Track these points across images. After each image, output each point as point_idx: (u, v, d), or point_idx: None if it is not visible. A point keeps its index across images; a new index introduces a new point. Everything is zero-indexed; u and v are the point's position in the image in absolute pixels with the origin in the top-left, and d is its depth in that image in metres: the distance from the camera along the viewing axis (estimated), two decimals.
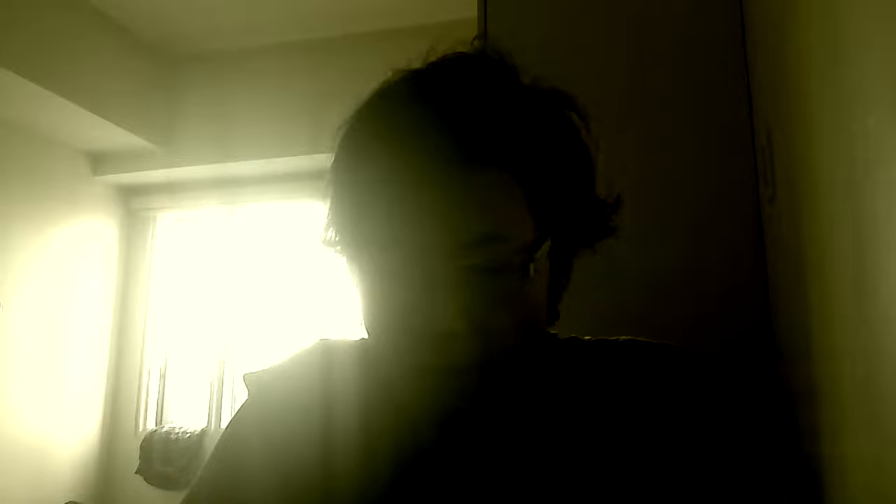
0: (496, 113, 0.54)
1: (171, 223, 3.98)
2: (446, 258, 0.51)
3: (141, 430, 3.74)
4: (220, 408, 3.66)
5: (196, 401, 3.74)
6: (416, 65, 0.58)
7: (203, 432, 3.57)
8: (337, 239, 0.59)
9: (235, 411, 0.68)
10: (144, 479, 3.57)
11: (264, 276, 3.71)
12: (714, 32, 1.46)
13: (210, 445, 3.53)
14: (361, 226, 0.55)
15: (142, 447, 3.60)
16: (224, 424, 3.61)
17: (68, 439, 3.47)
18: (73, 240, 3.56)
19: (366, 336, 0.58)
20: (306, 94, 3.16)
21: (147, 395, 3.81)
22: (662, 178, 1.42)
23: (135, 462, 3.60)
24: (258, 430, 0.64)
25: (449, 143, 0.51)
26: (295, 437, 0.62)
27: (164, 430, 3.64)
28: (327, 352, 0.67)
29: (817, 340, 0.96)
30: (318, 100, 3.10)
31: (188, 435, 3.54)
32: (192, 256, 3.94)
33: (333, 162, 0.58)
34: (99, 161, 3.70)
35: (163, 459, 3.54)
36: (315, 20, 3.29)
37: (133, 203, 3.91)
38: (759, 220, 1.34)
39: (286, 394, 0.64)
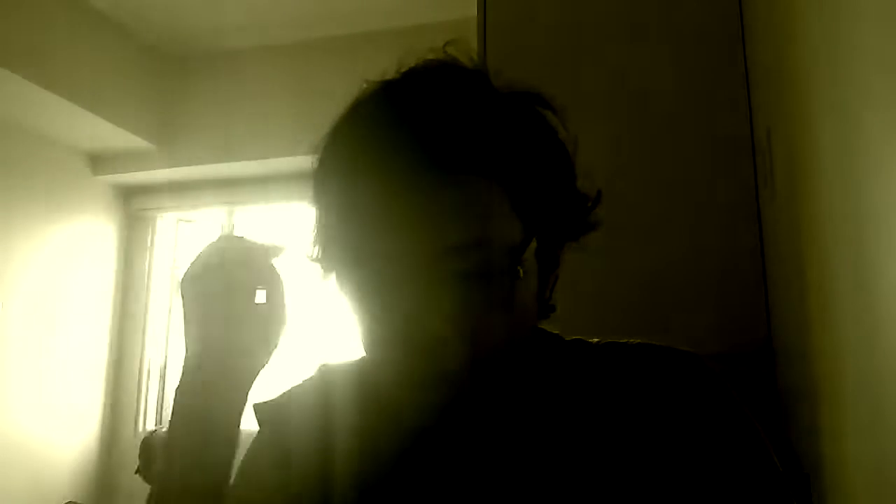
0: (472, 119, 0.54)
1: (171, 223, 3.98)
2: (431, 265, 0.52)
3: (141, 430, 3.74)
4: None
5: None
6: (390, 73, 0.58)
7: None
8: (323, 255, 0.60)
9: (250, 444, 0.69)
10: (144, 480, 3.57)
11: None
12: (714, 33, 1.46)
13: None
14: (348, 240, 0.55)
15: (141, 447, 3.60)
16: None
17: (68, 439, 3.47)
18: (73, 240, 3.55)
19: (362, 352, 0.59)
20: (307, 94, 3.16)
21: (147, 396, 3.81)
22: (663, 178, 1.42)
23: (135, 462, 3.60)
24: (265, 457, 0.66)
25: (426, 151, 0.52)
26: (299, 462, 0.63)
27: (163, 430, 3.64)
28: (326, 376, 0.69)
29: (817, 339, 0.96)
30: (318, 100, 3.09)
31: None
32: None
33: (315, 179, 0.58)
34: (99, 161, 3.70)
35: (163, 459, 3.54)
36: (315, 20, 3.29)
37: (133, 203, 3.91)
38: (759, 220, 1.35)
39: (290, 421, 0.67)
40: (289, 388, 0.70)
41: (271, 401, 0.69)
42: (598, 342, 0.64)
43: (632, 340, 0.63)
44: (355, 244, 0.55)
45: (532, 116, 0.59)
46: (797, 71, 1.00)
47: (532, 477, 0.57)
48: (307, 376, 0.70)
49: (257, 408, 0.69)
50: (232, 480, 0.66)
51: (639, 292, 1.37)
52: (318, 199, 0.59)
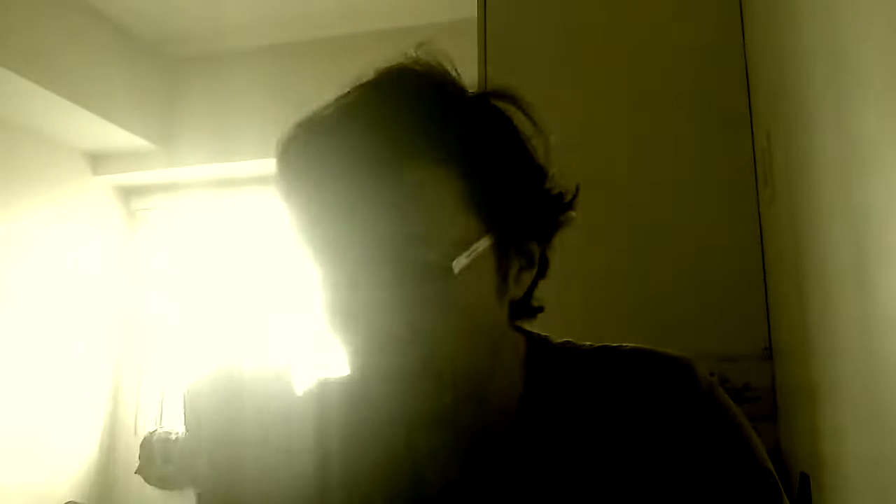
0: (423, 113, 0.54)
1: (171, 223, 3.98)
2: (378, 258, 0.51)
3: (141, 430, 3.74)
4: None
5: None
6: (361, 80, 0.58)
7: None
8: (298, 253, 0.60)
9: None
10: (144, 480, 3.57)
11: (264, 276, 3.72)
12: (714, 34, 1.46)
13: None
14: (306, 232, 0.56)
15: (142, 447, 3.60)
16: None
17: (68, 439, 3.47)
18: (73, 240, 3.56)
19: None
20: (306, 94, 3.15)
21: (147, 396, 3.81)
22: (663, 178, 1.42)
23: (135, 462, 3.60)
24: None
25: (372, 146, 0.51)
26: (294, 483, 0.62)
27: (163, 430, 3.63)
28: (322, 391, 0.68)
29: (817, 340, 0.96)
30: (317, 99, 3.09)
31: None
32: (192, 256, 3.94)
33: (276, 174, 0.58)
34: (99, 161, 3.70)
35: (163, 459, 3.54)
36: (315, 20, 3.29)
37: (133, 203, 3.91)
38: (759, 220, 1.35)
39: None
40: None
41: None
42: (589, 346, 0.63)
43: (623, 346, 0.62)
44: (312, 235, 0.55)
45: (492, 113, 0.58)
46: (797, 72, 1.01)
47: (525, 485, 0.57)
48: (306, 389, 0.69)
49: None
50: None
51: (639, 292, 1.37)
52: (281, 191, 0.58)
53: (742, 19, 1.44)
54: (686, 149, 1.42)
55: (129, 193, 3.91)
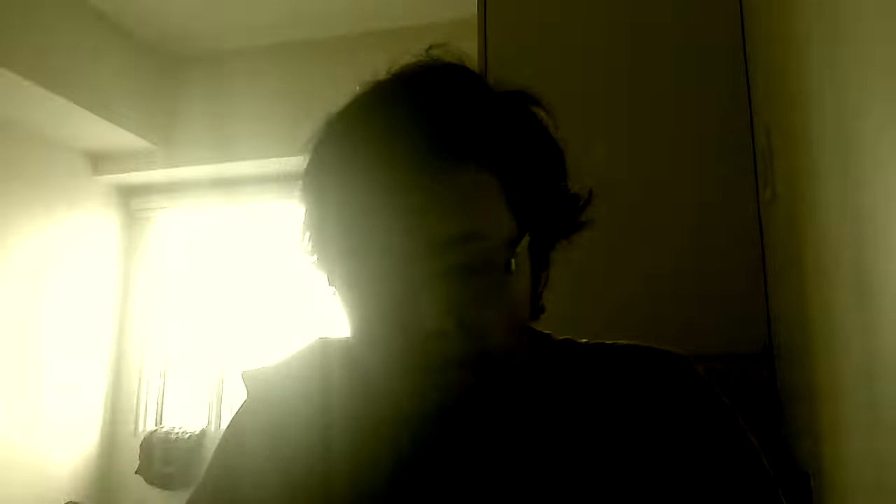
0: (466, 112, 0.54)
1: (171, 223, 3.98)
2: (428, 259, 0.51)
3: (141, 430, 3.74)
4: (220, 407, 3.66)
5: (196, 401, 3.75)
6: (384, 74, 0.58)
7: (203, 432, 3.56)
8: (312, 248, 0.60)
9: (234, 412, 0.67)
10: (144, 480, 3.57)
11: (264, 275, 3.71)
12: (714, 34, 1.46)
13: (210, 445, 3.53)
14: (340, 233, 0.55)
15: (142, 447, 3.60)
16: (224, 424, 3.61)
17: (68, 439, 3.47)
18: (73, 240, 3.56)
19: (359, 347, 0.57)
20: (306, 94, 3.16)
21: (147, 395, 3.81)
22: (662, 178, 1.42)
23: (135, 462, 3.60)
24: (257, 432, 0.64)
25: (423, 144, 0.52)
26: (294, 438, 0.61)
27: (163, 430, 3.63)
28: (325, 350, 0.66)
29: (817, 340, 0.96)
30: (317, 99, 3.09)
31: (188, 435, 3.54)
32: (192, 256, 3.94)
33: (306, 171, 0.58)
34: (99, 161, 3.70)
35: (163, 459, 3.54)
36: (315, 20, 3.29)
37: (133, 203, 3.91)
38: (760, 220, 1.35)
39: (284, 393, 0.64)
40: (282, 357, 0.67)
41: (263, 370, 0.66)
42: (586, 343, 0.64)
43: (619, 342, 0.62)
44: (351, 239, 0.54)
45: (525, 113, 0.59)
46: (797, 71, 1.00)
47: (525, 478, 0.57)
48: (302, 347, 0.67)
49: (247, 376, 0.66)
50: (215, 450, 0.64)
51: (639, 292, 1.37)
52: (312, 195, 0.58)
53: (742, 19, 1.44)
54: (686, 149, 1.42)
55: (129, 193, 3.91)
